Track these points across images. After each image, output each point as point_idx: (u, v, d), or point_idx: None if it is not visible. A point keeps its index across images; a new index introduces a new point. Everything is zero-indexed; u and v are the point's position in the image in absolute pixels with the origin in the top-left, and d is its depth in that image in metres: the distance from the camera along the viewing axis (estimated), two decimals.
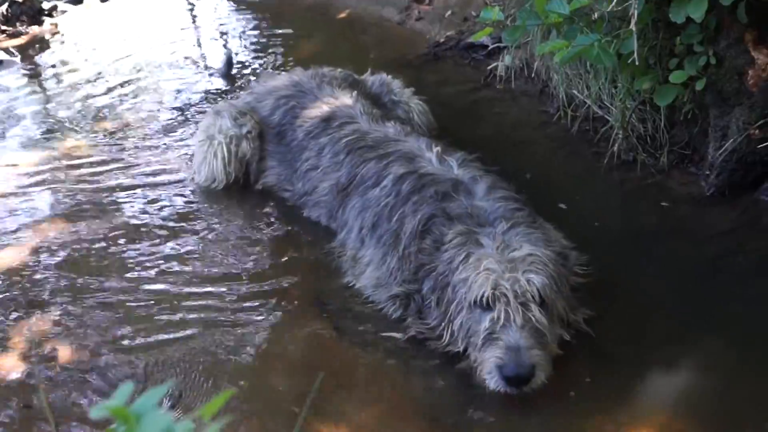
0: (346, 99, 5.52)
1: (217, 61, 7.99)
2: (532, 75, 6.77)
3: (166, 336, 4.35)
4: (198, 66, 8.16)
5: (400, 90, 6.10)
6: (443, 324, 4.09)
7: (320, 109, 5.45)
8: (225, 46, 8.71)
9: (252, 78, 7.47)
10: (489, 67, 7.13)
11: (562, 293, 4.04)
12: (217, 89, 7.46)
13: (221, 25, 9.42)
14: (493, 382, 3.82)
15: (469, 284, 3.92)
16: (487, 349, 3.84)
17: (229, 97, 6.99)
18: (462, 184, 4.54)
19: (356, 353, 4.24)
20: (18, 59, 8.62)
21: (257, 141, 5.64)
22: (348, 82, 5.87)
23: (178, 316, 4.50)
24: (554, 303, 3.96)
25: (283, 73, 6.88)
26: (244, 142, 5.61)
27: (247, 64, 7.98)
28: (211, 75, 7.81)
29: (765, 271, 4.60)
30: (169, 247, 5.11)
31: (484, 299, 3.85)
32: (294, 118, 5.53)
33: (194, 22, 9.76)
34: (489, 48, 7.41)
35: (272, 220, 5.38)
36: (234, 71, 7.69)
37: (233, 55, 7.93)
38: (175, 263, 4.94)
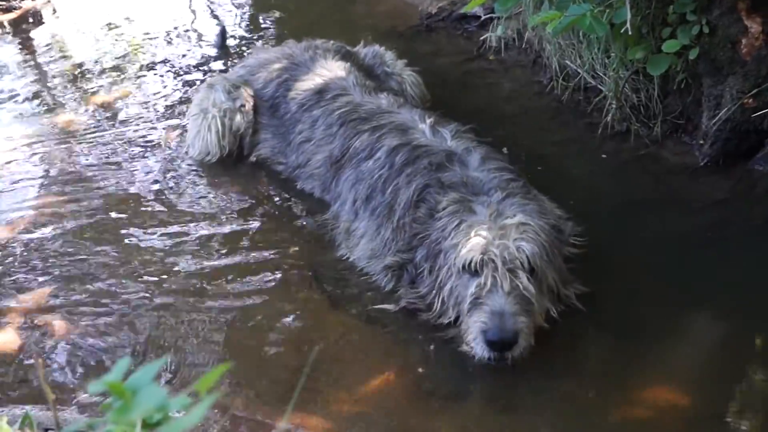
0: (339, 71, 5.50)
1: (212, 34, 7.95)
2: (525, 45, 6.75)
3: (160, 310, 4.36)
4: (192, 39, 8.12)
5: (393, 62, 6.07)
6: (434, 291, 4.11)
7: (313, 81, 5.43)
8: (217, 18, 8.66)
9: (245, 51, 7.43)
10: (481, 38, 7.10)
11: (554, 265, 4.05)
12: (211, 62, 7.43)
13: None
14: (477, 347, 3.83)
15: (458, 250, 3.93)
16: (472, 314, 3.85)
17: (224, 69, 6.96)
18: (456, 155, 4.54)
19: (351, 325, 4.26)
20: (10, 34, 8.58)
21: (251, 114, 5.62)
22: (341, 53, 5.83)
23: (172, 289, 4.51)
24: (544, 273, 3.96)
25: (275, 46, 6.84)
26: (237, 115, 5.59)
27: (238, 36, 7.94)
28: (204, 46, 7.78)
29: (760, 239, 4.62)
30: (162, 221, 5.11)
31: (473, 264, 3.86)
32: (287, 91, 5.51)
33: None
34: (481, 19, 7.37)
35: (266, 192, 5.38)
36: (228, 43, 7.65)
37: (226, 27, 7.89)
38: (167, 237, 4.95)
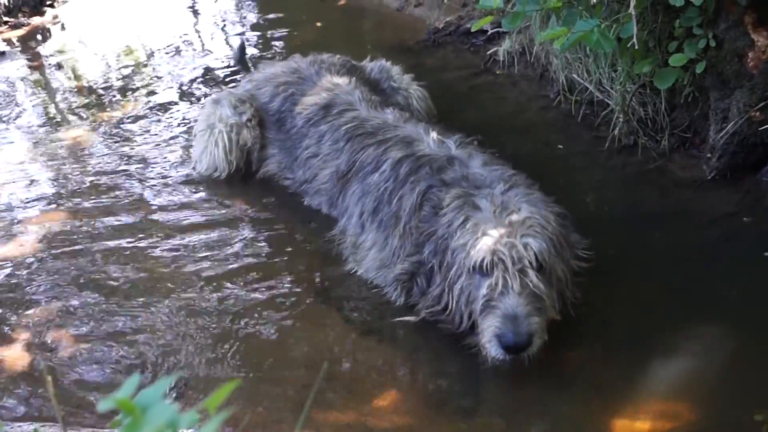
0: (345, 86, 5.51)
1: (220, 49, 8.01)
2: (532, 60, 6.77)
3: (170, 325, 4.37)
4: (200, 54, 8.15)
5: (400, 76, 6.09)
6: (446, 290, 4.09)
7: (319, 96, 5.44)
8: (225, 31, 8.72)
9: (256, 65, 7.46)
10: (489, 52, 7.13)
11: (562, 256, 4.06)
12: (218, 75, 7.47)
13: (221, 12, 9.41)
14: (492, 349, 3.83)
15: (467, 250, 3.93)
16: (486, 317, 3.86)
17: (234, 82, 6.99)
18: (457, 159, 4.55)
19: (361, 340, 4.25)
20: (19, 50, 8.62)
21: (257, 129, 5.64)
22: (346, 68, 5.85)
23: (182, 303, 4.52)
24: (553, 267, 3.97)
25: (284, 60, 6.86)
26: (244, 130, 5.61)
27: (247, 51, 7.97)
28: (212, 61, 7.82)
29: None
30: (170, 237, 5.11)
31: (483, 265, 3.86)
32: (293, 105, 5.52)
33: (194, 9, 9.74)
34: (488, 33, 7.40)
35: (275, 207, 5.39)
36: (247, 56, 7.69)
37: (245, 42, 7.93)
38: (177, 251, 4.96)
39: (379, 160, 4.81)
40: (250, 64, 6.98)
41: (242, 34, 8.49)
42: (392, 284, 4.48)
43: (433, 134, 4.82)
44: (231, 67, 7.53)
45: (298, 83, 5.65)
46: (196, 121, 6.12)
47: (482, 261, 3.85)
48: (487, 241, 3.87)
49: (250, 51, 7.92)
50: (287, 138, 5.50)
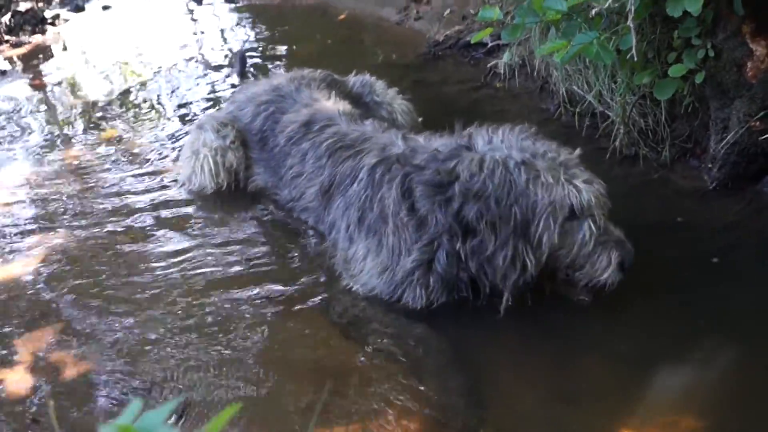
0: (324, 101, 5.52)
1: (221, 66, 8.03)
2: (532, 72, 6.78)
3: (172, 346, 4.34)
4: (201, 71, 8.18)
5: (383, 90, 6.10)
6: (514, 243, 4.08)
7: (299, 113, 5.43)
8: (227, 45, 8.74)
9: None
10: (489, 65, 7.14)
11: None
12: (220, 90, 7.49)
13: (222, 29, 9.45)
14: (613, 275, 4.18)
15: (557, 200, 4.07)
16: (603, 252, 4.16)
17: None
18: (419, 146, 4.59)
19: (364, 356, 4.23)
20: (20, 69, 8.65)
21: (241, 150, 5.67)
22: (327, 82, 5.86)
23: (183, 324, 4.50)
24: None
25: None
26: (229, 152, 5.64)
27: (247, 67, 8.00)
28: (213, 78, 7.84)
29: None
30: (172, 257, 5.10)
31: (580, 209, 4.09)
32: (275, 124, 5.52)
33: (195, 26, 9.78)
34: (488, 46, 7.42)
35: (273, 223, 5.39)
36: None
37: (246, 53, 7.95)
38: (179, 272, 4.94)
39: (355, 169, 4.80)
40: (251, 78, 7.00)
41: (243, 48, 8.51)
42: (404, 283, 4.43)
43: (401, 134, 4.86)
44: (233, 81, 7.56)
45: (278, 101, 5.65)
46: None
47: (579, 205, 4.08)
48: (578, 188, 4.10)
49: (251, 65, 7.95)
50: (271, 157, 5.50)
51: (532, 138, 4.33)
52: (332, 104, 5.48)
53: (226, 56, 8.58)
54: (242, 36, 9.20)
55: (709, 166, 5.21)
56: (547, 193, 4.05)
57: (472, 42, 6.40)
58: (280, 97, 5.66)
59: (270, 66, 8.04)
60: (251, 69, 7.80)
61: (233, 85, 7.44)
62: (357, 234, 4.67)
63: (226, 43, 9.04)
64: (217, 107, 6.95)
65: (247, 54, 8.22)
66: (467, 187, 4.12)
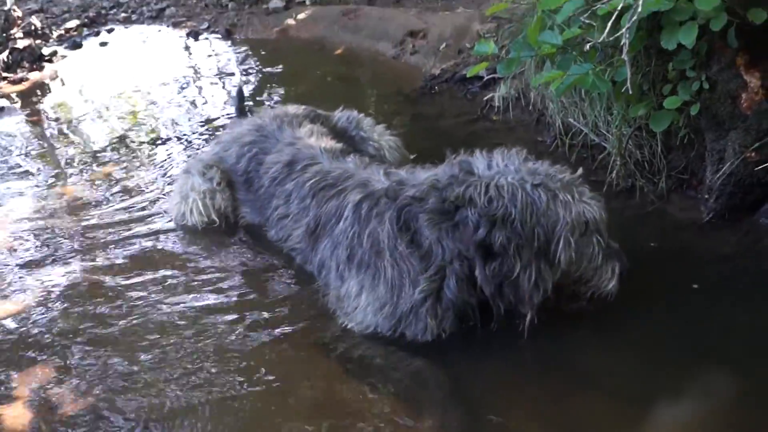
0: (307, 139, 5.51)
1: (218, 101, 8.06)
2: (528, 105, 6.81)
3: (171, 381, 4.32)
4: (198, 106, 8.21)
5: (370, 127, 6.10)
6: (537, 263, 4.14)
7: (282, 153, 5.41)
8: (222, 82, 8.78)
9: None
10: (485, 98, 7.17)
11: None
12: (217, 125, 7.51)
13: (219, 64, 9.49)
14: (615, 284, 4.35)
15: (576, 218, 4.16)
16: (607, 263, 4.32)
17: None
18: (405, 179, 4.56)
19: (364, 393, 4.20)
20: (18, 105, 8.69)
21: (228, 191, 5.71)
22: (310, 118, 5.86)
23: (183, 357, 4.48)
24: None
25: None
26: (217, 194, 5.68)
27: (247, 101, 8.02)
28: (211, 113, 7.86)
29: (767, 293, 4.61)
30: (170, 292, 5.08)
31: (591, 225, 4.21)
32: (259, 165, 5.52)
33: (192, 61, 9.83)
34: (484, 79, 7.46)
35: (269, 259, 5.38)
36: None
37: (243, 88, 7.98)
38: (177, 306, 4.93)
39: (339, 208, 4.79)
40: (248, 113, 7.03)
41: (240, 84, 8.55)
42: (410, 315, 4.39)
43: (382, 169, 4.86)
44: (230, 116, 7.58)
45: (261, 141, 5.64)
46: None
47: (593, 221, 4.21)
48: (586, 204, 4.20)
49: (250, 100, 7.98)
50: (257, 198, 5.50)
51: (530, 160, 4.38)
52: (315, 141, 5.47)
53: (223, 90, 8.62)
54: (239, 71, 9.24)
55: (706, 197, 5.22)
56: (567, 212, 4.13)
57: (468, 76, 6.40)
58: (263, 138, 5.65)
59: (267, 102, 8.07)
60: (249, 104, 7.82)
61: (230, 118, 7.46)
62: (348, 272, 4.63)
63: (222, 78, 9.07)
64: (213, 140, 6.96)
65: (248, 90, 8.26)
66: (491, 213, 4.10)
